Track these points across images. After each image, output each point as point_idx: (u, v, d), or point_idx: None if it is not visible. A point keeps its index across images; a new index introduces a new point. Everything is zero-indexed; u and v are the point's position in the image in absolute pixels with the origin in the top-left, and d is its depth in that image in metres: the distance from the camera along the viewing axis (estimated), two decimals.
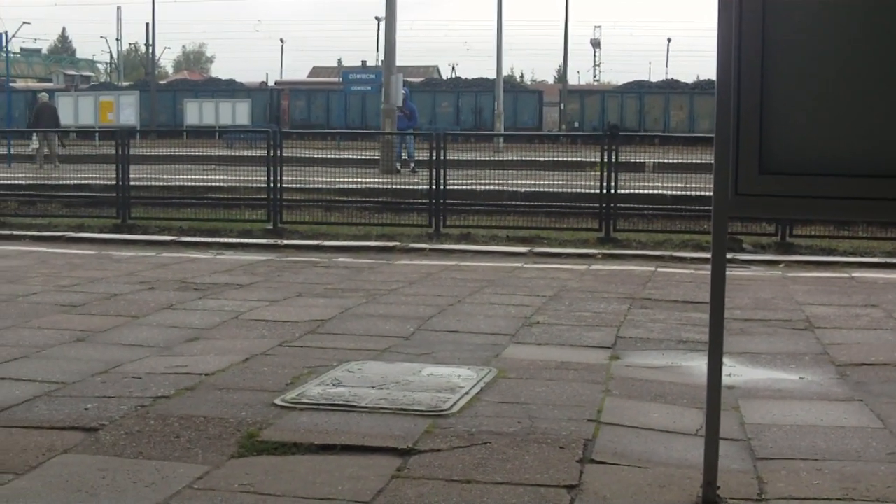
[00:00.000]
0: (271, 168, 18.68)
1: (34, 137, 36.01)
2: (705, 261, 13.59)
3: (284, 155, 19.30)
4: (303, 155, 22.07)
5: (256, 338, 8.83)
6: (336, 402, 6.61)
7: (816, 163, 4.30)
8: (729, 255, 14.23)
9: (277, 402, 6.63)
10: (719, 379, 4.81)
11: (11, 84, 71.12)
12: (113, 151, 20.52)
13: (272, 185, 18.52)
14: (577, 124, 63.33)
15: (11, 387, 7.10)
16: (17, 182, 25.09)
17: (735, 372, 7.76)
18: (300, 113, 67.12)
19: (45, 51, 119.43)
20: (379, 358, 8.03)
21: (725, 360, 7.93)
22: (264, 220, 18.37)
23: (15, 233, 17.43)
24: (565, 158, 24.23)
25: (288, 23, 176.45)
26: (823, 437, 6.10)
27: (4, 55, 53.68)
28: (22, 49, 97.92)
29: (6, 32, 54.85)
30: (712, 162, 4.46)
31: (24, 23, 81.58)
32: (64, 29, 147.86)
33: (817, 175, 4.30)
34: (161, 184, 23.44)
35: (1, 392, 6.95)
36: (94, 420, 6.24)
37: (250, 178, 21.59)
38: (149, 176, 23.12)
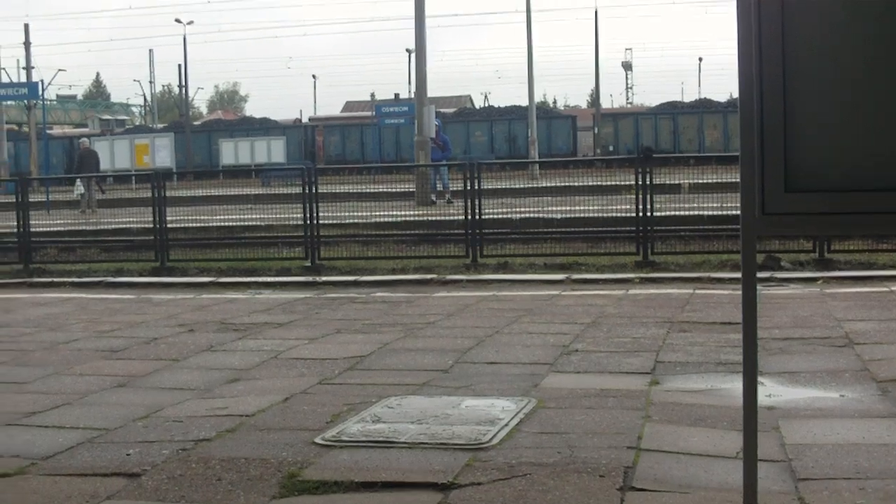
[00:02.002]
0: (307, 205, 18.72)
1: (78, 183, 36.30)
2: None
3: (320, 191, 19.36)
4: (338, 190, 22.20)
5: (296, 377, 8.87)
6: (376, 439, 6.63)
7: (842, 178, 4.29)
8: (767, 274, 14.25)
9: (318, 440, 6.65)
10: (755, 400, 4.78)
11: (48, 131, 71.82)
12: (149, 194, 20.64)
13: (308, 221, 18.56)
14: (611, 148, 63.31)
15: (55, 434, 7.16)
16: (56, 229, 25.21)
17: (775, 392, 7.73)
18: (335, 148, 67.39)
19: (80, 96, 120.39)
20: (418, 392, 8.05)
21: (764, 380, 7.94)
22: (302, 258, 18.42)
23: (55, 280, 17.58)
24: (600, 183, 24.21)
25: (320, 59, 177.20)
26: (866, 456, 6.06)
27: (41, 103, 54.19)
28: (58, 96, 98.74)
29: (42, 80, 55.43)
30: None
31: (60, 70, 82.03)
32: (98, 74, 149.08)
33: (844, 191, 4.29)
34: (199, 225, 23.56)
35: (45, 440, 7.01)
36: (137, 465, 6.28)
37: (287, 215, 21.68)
38: (186, 218, 23.22)
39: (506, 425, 6.89)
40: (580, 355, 9.40)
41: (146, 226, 21.01)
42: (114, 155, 52.13)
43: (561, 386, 8.14)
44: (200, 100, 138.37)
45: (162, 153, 52.35)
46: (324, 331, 11.22)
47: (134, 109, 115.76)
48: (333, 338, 10.80)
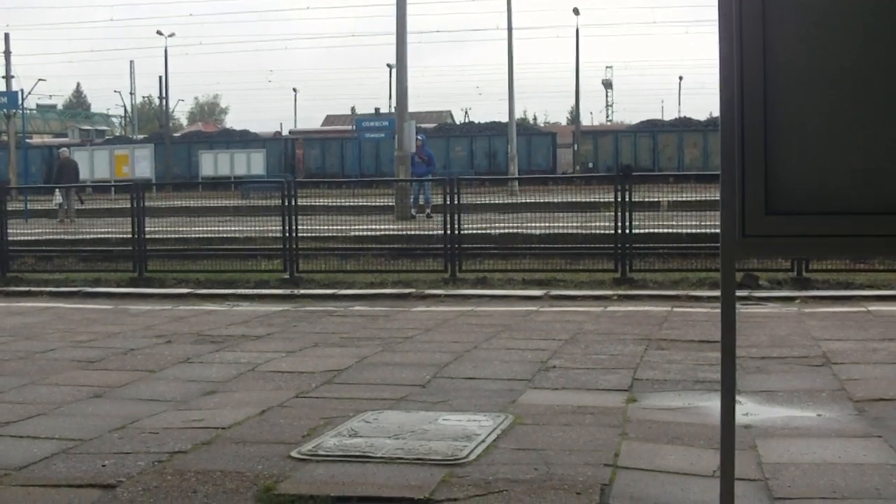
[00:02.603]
0: (286, 218, 18.69)
1: (57, 192, 36.20)
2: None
3: (299, 204, 19.34)
4: (318, 203, 22.15)
5: (273, 389, 8.85)
6: (352, 453, 6.61)
7: (823, 202, 4.30)
8: (745, 293, 14.27)
9: (294, 454, 6.63)
10: (733, 419, 4.78)
11: (28, 140, 71.63)
12: (128, 205, 20.60)
13: (288, 234, 18.53)
14: (591, 165, 63.40)
15: (30, 444, 7.13)
16: (34, 238, 25.14)
17: (752, 411, 7.74)
18: (315, 161, 67.35)
19: (60, 106, 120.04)
20: (395, 407, 8.04)
21: (742, 398, 7.95)
22: (280, 270, 18.39)
23: (32, 289, 17.51)
24: (580, 200, 24.23)
25: (301, 72, 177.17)
26: (842, 475, 6.07)
27: (21, 112, 54.05)
28: (38, 105, 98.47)
29: (22, 90, 55.30)
30: None
31: (40, 80, 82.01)
32: (79, 84, 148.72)
33: (825, 214, 4.30)
34: (177, 236, 23.51)
35: (19, 450, 6.97)
36: (112, 477, 6.25)
37: (266, 228, 21.64)
38: (165, 229, 23.19)
39: (483, 441, 6.88)
40: (558, 372, 9.40)
41: (125, 236, 20.95)
42: (93, 165, 52.04)
43: (538, 402, 8.14)
44: (181, 111, 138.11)
45: (142, 164, 52.26)
46: (301, 344, 11.20)
47: (114, 120, 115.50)
48: (311, 351, 10.78)
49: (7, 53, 64.07)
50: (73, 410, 8.28)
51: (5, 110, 55.25)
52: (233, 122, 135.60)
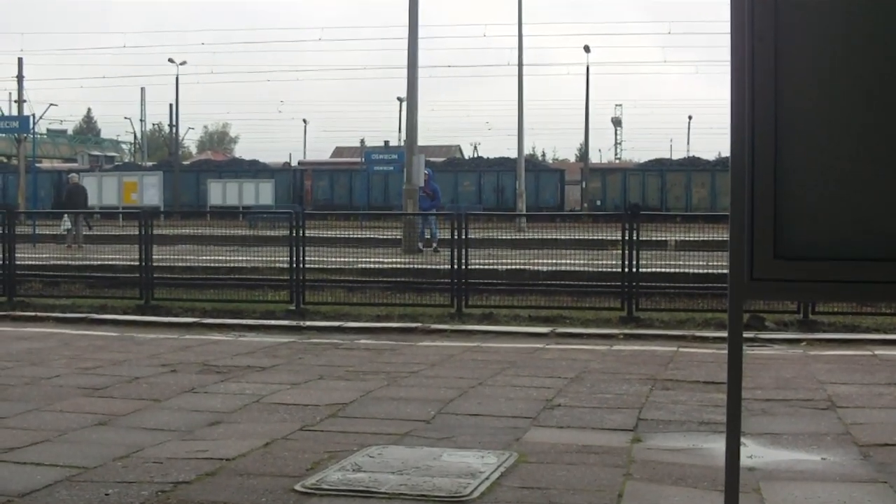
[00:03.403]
0: (294, 248, 18.70)
1: (65, 218, 36.28)
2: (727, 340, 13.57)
3: (307, 235, 19.34)
4: (325, 235, 22.18)
5: (277, 422, 8.84)
6: (356, 488, 6.61)
7: (833, 247, 4.30)
8: (751, 334, 14.26)
9: (297, 487, 6.63)
10: (737, 461, 4.77)
11: (37, 164, 71.80)
12: (136, 232, 20.63)
13: (295, 265, 18.54)
14: (598, 202, 63.45)
15: (33, 471, 7.13)
16: (41, 262, 25.16)
17: (756, 453, 7.73)
18: (323, 193, 67.43)
19: (70, 131, 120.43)
20: (399, 442, 8.03)
21: (746, 440, 7.93)
22: (287, 301, 18.38)
23: (39, 314, 17.51)
24: (587, 237, 24.25)
25: (311, 104, 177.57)
26: None
27: (32, 137, 54.22)
28: (48, 130, 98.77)
29: (34, 115, 55.50)
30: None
31: (52, 104, 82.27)
32: (89, 110, 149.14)
33: (834, 259, 4.30)
34: (184, 264, 23.53)
35: (23, 477, 6.98)
36: None
37: (273, 258, 21.65)
38: (172, 257, 23.20)
39: (487, 479, 6.87)
40: (563, 410, 9.38)
41: (132, 263, 21.00)
42: (102, 191, 52.04)
43: (543, 440, 8.13)
44: (190, 140, 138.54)
45: (150, 191, 52.29)
46: (307, 376, 11.19)
47: (123, 146, 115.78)
48: (316, 384, 10.77)
49: (20, 78, 64.35)
50: (77, 438, 8.28)
51: (16, 134, 55.45)
52: (242, 151, 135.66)
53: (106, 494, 6.51)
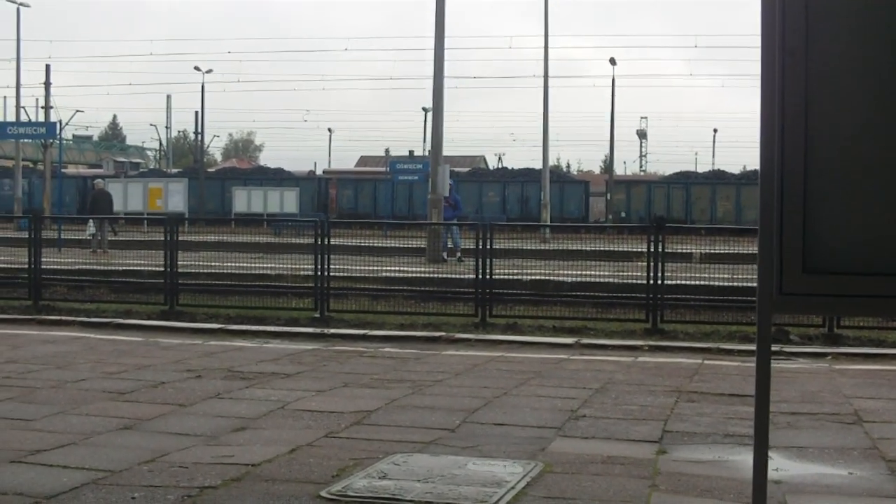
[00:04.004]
0: (318, 256, 18.71)
1: (90, 223, 36.39)
2: (753, 353, 13.47)
3: (332, 243, 19.36)
4: (350, 243, 22.21)
5: (302, 428, 8.85)
6: (381, 496, 6.61)
7: (862, 262, 4.28)
8: (776, 347, 14.20)
9: (323, 494, 6.63)
10: (765, 474, 4.75)
11: (63, 170, 72.08)
12: (161, 238, 20.69)
13: (319, 273, 18.55)
14: (623, 214, 63.37)
15: (59, 474, 7.16)
16: (66, 267, 25.25)
17: (782, 466, 7.70)
18: (348, 202, 67.52)
19: (96, 137, 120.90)
20: (425, 450, 8.03)
21: (772, 454, 7.90)
22: (311, 309, 18.40)
23: (64, 318, 17.56)
24: (612, 249, 24.24)
25: (336, 113, 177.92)
26: None
27: (58, 143, 54.46)
28: (74, 136, 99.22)
29: (60, 121, 55.72)
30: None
31: (78, 111, 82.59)
32: (115, 116, 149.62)
33: (863, 274, 4.28)
34: (209, 271, 23.58)
35: (49, 479, 7.01)
36: None
37: (297, 265, 21.67)
38: (197, 263, 23.24)
39: (512, 488, 6.87)
40: (588, 421, 9.37)
41: (156, 269, 21.05)
42: (127, 197, 52.25)
43: (568, 451, 8.12)
44: (215, 147, 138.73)
45: (175, 198, 52.48)
46: (331, 384, 11.19)
47: (149, 153, 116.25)
48: (341, 391, 10.78)
49: (47, 85, 64.61)
50: (103, 441, 8.31)
51: (43, 140, 55.70)
52: (266, 159, 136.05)
53: (132, 498, 6.53)
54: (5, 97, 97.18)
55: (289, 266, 22.62)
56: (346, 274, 20.52)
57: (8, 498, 6.55)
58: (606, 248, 25.28)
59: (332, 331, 16.21)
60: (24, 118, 63.15)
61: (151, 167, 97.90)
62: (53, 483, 6.89)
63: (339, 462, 7.54)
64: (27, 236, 21.72)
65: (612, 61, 71.42)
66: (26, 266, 20.88)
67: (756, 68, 4.19)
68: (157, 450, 7.93)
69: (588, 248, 28.74)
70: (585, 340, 15.11)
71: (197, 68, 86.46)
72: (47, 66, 65.00)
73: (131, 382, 11.09)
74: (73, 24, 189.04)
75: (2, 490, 6.74)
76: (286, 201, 60.64)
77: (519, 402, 10.26)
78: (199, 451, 7.96)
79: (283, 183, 66.81)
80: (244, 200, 61.86)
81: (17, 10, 61.28)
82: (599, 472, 7.41)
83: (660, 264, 17.20)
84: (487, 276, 18.01)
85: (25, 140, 60.33)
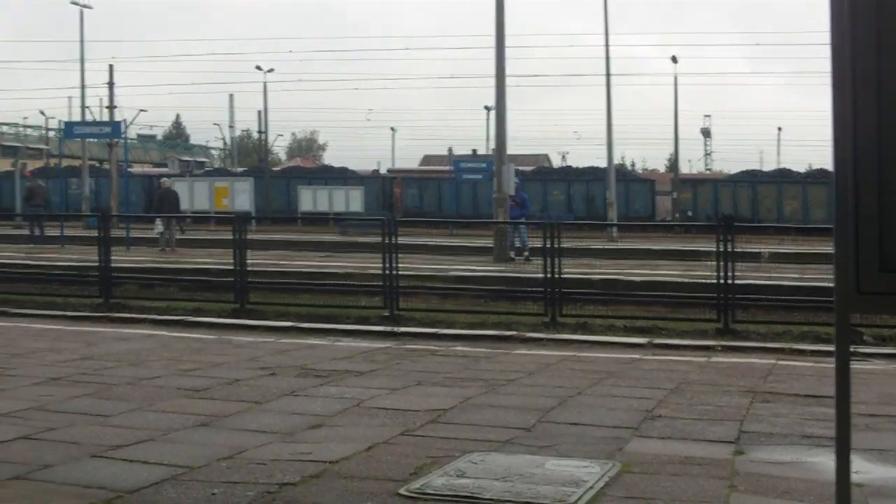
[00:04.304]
0: (387, 255, 18.70)
1: (158, 222, 36.67)
2: (826, 353, 13.40)
3: (400, 242, 19.36)
4: (417, 242, 22.26)
5: (378, 426, 8.86)
6: (460, 494, 6.60)
7: None
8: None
9: (402, 492, 6.64)
10: (848, 478, 4.68)
11: (128, 169, 72.66)
12: (228, 236, 20.82)
13: (388, 272, 18.55)
14: (689, 213, 62.99)
15: (139, 469, 7.21)
16: (135, 265, 25.51)
17: (863, 469, 7.61)
18: (412, 200, 67.52)
19: (159, 137, 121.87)
20: (501, 449, 8.01)
21: (853, 456, 7.80)
22: (380, 307, 18.42)
23: (136, 316, 17.71)
24: (680, 248, 24.13)
25: (399, 112, 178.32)
26: None
27: (123, 142, 54.90)
28: (138, 135, 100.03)
29: (125, 120, 56.16)
30: (829, 252, 4.39)
31: (141, 110, 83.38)
32: (178, 116, 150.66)
33: None
34: (277, 269, 23.72)
35: (130, 474, 7.07)
36: None
37: (365, 264, 21.74)
38: (264, 261, 23.40)
39: (591, 488, 6.84)
40: (664, 421, 9.30)
41: (225, 267, 21.17)
42: (193, 196, 52.55)
43: (645, 451, 8.07)
44: (279, 146, 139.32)
45: (241, 197, 52.71)
46: (405, 382, 11.20)
47: (213, 152, 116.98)
48: (414, 389, 10.79)
49: (111, 84, 65.12)
50: (180, 438, 8.37)
51: (108, 139, 56.17)
52: (330, 158, 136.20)
53: (212, 494, 6.56)
54: (70, 97, 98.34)
55: (357, 265, 22.69)
56: (414, 272, 20.55)
57: (91, 491, 6.61)
58: (675, 248, 25.11)
59: (403, 329, 16.23)
60: (88, 118, 63.71)
61: (216, 166, 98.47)
62: (134, 478, 6.95)
63: (416, 460, 7.54)
64: (97, 235, 21.91)
65: (674, 59, 70.89)
66: (96, 264, 21.07)
67: (822, 66, 4.15)
68: (234, 446, 7.97)
69: (656, 248, 28.68)
70: (658, 340, 15.00)
71: (258, 67, 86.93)
72: (110, 67, 65.53)
73: (206, 380, 11.16)
74: (135, 24, 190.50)
75: (84, 483, 6.81)
76: (351, 200, 60.75)
77: (593, 401, 10.22)
78: (276, 447, 7.99)
79: (348, 182, 66.92)
80: (310, 199, 62.08)
81: (81, 12, 61.85)
82: (677, 472, 7.37)
83: (729, 263, 17.07)
84: (557, 276, 17.95)
85: (91, 139, 60.84)
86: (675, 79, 71.61)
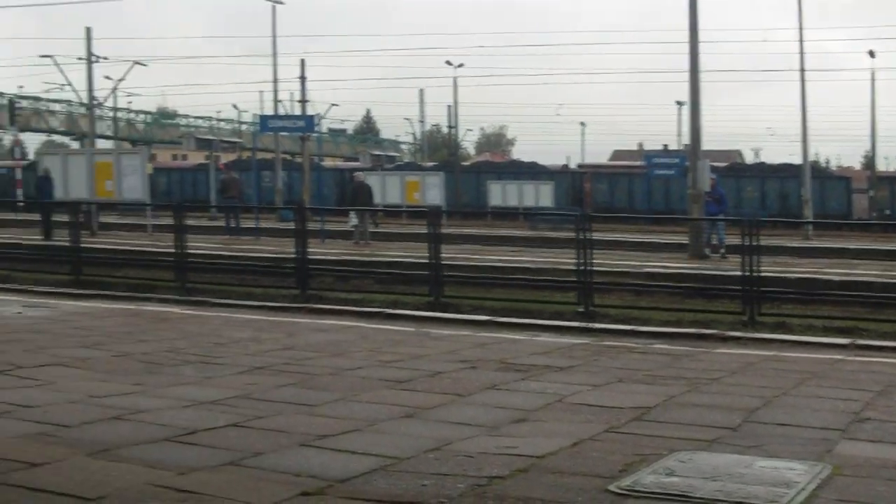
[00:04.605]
0: (581, 251, 18.60)
1: (352, 215, 37.19)
2: None
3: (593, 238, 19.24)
4: (611, 238, 22.15)
5: (582, 422, 8.83)
6: (671, 492, 6.56)
7: None
8: None
9: (611, 488, 6.61)
10: None
11: (320, 162, 73.83)
12: (420, 230, 21.00)
13: (582, 267, 18.46)
14: (888, 212, 61.46)
15: (347, 459, 7.32)
16: (331, 258, 25.88)
17: None
18: (602, 196, 67.25)
19: (350, 131, 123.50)
20: (708, 449, 7.91)
21: None
22: (574, 303, 18.37)
23: (333, 307, 17.94)
24: (879, 247, 23.60)
25: (589, 107, 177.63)
26: None
27: (316, 136, 55.82)
28: (329, 129, 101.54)
29: (318, 114, 57.11)
30: None
31: (333, 105, 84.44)
32: (368, 111, 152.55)
33: None
34: (471, 263, 23.84)
35: (339, 463, 7.18)
36: (434, 497, 6.36)
37: (557, 259, 21.68)
38: (455, 255, 23.52)
39: (802, 489, 6.72)
40: (873, 424, 9.08)
41: (419, 260, 21.35)
42: (385, 190, 53.08)
43: (856, 454, 7.89)
44: (468, 141, 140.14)
45: (432, 191, 53.03)
46: (605, 378, 11.15)
47: (403, 147, 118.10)
48: (616, 386, 10.73)
49: (302, 79, 66.17)
50: (386, 428, 8.46)
51: (301, 133, 57.16)
52: (519, 153, 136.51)
53: (423, 485, 6.62)
54: (261, 92, 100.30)
55: (549, 260, 22.65)
56: (607, 269, 20.44)
57: (302, 479, 6.73)
58: (873, 247, 24.55)
59: (598, 325, 16.14)
60: (280, 112, 64.88)
61: (406, 161, 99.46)
62: (343, 468, 7.05)
63: (622, 457, 7.50)
64: (292, 227, 22.29)
65: (871, 54, 69.23)
66: (293, 256, 21.45)
67: None
68: (440, 438, 8.03)
69: (853, 247, 28.03)
70: (860, 342, 14.61)
71: (448, 62, 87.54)
72: (302, 61, 66.61)
73: (408, 371, 11.27)
74: (326, 19, 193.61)
75: (295, 472, 6.94)
76: (541, 195, 60.75)
77: (798, 402, 10.03)
78: (482, 441, 8.02)
79: (538, 177, 66.92)
80: (499, 194, 62.29)
81: (273, 7, 62.97)
82: (893, 476, 7.19)
83: None
84: (755, 274, 17.67)
85: (283, 133, 61.97)
86: (873, 74, 69.95)
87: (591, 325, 16.24)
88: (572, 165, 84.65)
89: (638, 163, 72.40)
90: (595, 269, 18.81)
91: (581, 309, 17.91)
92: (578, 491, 6.54)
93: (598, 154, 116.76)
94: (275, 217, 50.68)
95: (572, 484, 6.72)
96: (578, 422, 8.84)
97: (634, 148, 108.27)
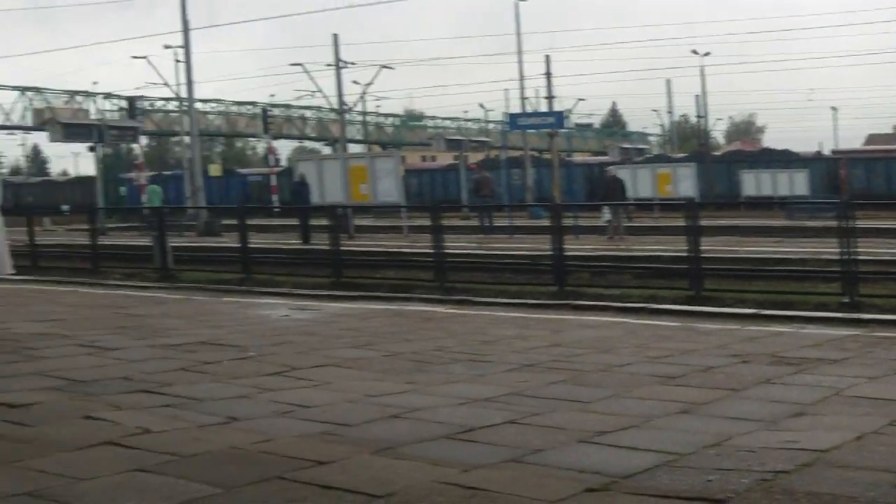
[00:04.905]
0: (844, 240, 18.17)
1: (605, 209, 37.19)
2: None
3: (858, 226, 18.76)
4: (876, 225, 21.59)
5: (862, 415, 8.67)
6: None
7: None
8: None
9: None
10: None
11: (569, 158, 73.92)
12: (673, 223, 20.87)
13: (846, 257, 18.04)
14: None
15: (628, 455, 7.38)
16: (586, 254, 25.89)
17: None
18: (859, 182, 65.47)
19: (596, 125, 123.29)
20: None
21: None
22: (838, 294, 17.96)
23: (594, 303, 17.96)
24: None
25: (842, 91, 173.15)
26: None
27: (564, 131, 55.93)
28: (576, 124, 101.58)
29: (567, 110, 57.24)
30: None
31: (580, 99, 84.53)
32: (614, 104, 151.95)
33: None
34: (730, 255, 23.58)
35: (619, 459, 7.24)
36: (719, 492, 6.36)
37: (817, 249, 21.25)
38: (712, 247, 23.25)
39: None
40: None
41: (677, 254, 21.21)
42: (636, 183, 52.75)
43: None
44: (717, 130, 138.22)
45: (684, 182, 52.35)
46: (882, 371, 10.88)
47: (651, 139, 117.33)
48: (893, 378, 10.50)
49: (548, 75, 66.32)
50: (662, 424, 8.48)
51: (549, 130, 57.32)
52: (769, 141, 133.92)
53: (707, 480, 6.63)
54: (507, 90, 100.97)
55: (810, 250, 22.23)
56: (873, 258, 19.95)
57: (585, 476, 6.81)
58: None
59: (867, 316, 15.71)
60: (527, 109, 65.21)
61: (655, 153, 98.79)
62: (625, 463, 7.11)
63: None
64: (546, 224, 22.45)
65: None
66: (550, 253, 21.57)
67: None
68: (718, 434, 8.00)
69: None
70: None
71: (694, 52, 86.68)
72: (547, 57, 66.74)
73: (678, 367, 11.24)
74: (570, 13, 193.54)
75: (578, 468, 7.02)
76: (795, 183, 59.52)
77: None
78: (761, 435, 7.96)
79: (791, 164, 65.55)
80: (752, 183, 61.36)
81: (516, 5, 63.33)
82: None
83: None
84: None
85: (530, 130, 62.24)
86: None
87: (859, 315, 15.83)
88: (825, 151, 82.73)
89: (894, 146, 70.29)
90: (860, 258, 18.33)
91: (846, 300, 17.48)
92: (868, 485, 6.45)
93: (852, 139, 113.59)
94: (526, 214, 51.01)
95: (860, 478, 6.62)
96: (858, 415, 8.69)
97: (890, 131, 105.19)
